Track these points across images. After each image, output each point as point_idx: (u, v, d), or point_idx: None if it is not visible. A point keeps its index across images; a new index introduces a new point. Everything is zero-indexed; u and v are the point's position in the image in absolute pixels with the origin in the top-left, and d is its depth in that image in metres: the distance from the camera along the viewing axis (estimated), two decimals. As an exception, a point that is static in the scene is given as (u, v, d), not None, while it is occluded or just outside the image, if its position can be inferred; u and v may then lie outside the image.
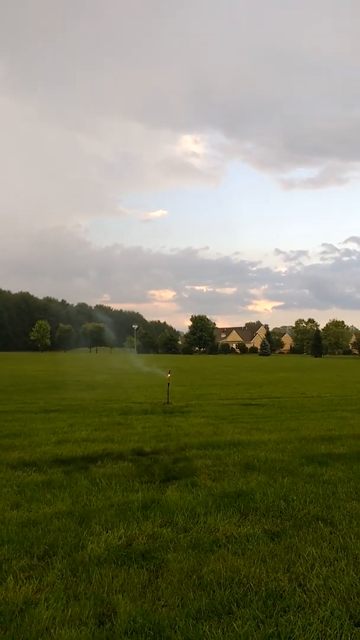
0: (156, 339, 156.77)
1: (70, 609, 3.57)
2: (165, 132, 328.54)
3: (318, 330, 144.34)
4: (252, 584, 3.97)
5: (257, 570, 4.21)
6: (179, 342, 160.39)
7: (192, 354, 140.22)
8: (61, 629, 3.32)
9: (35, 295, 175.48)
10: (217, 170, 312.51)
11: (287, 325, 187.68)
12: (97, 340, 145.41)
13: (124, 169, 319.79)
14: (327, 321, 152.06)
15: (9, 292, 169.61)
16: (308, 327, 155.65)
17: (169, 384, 18.21)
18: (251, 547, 4.73)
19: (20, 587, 3.87)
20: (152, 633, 3.29)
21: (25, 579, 4.04)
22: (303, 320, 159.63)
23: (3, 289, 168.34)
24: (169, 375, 19.47)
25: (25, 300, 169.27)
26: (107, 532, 5.04)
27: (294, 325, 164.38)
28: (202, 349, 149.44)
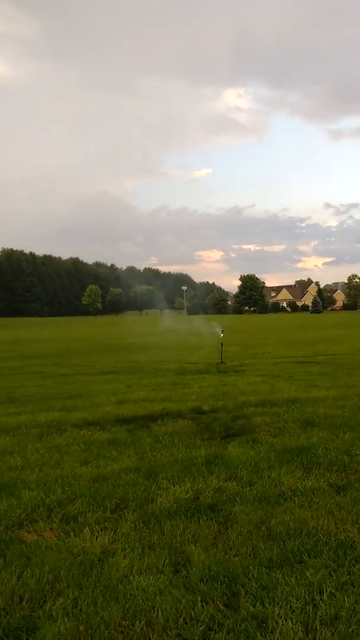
0: (205, 300, 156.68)
1: (146, 558, 3.72)
2: (207, 88, 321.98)
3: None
4: (321, 535, 4.03)
5: (325, 522, 4.26)
6: (229, 302, 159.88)
7: (242, 313, 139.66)
8: (139, 577, 3.48)
9: (85, 261, 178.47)
10: (262, 125, 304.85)
11: (338, 281, 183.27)
12: (147, 303, 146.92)
13: (167, 129, 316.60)
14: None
15: (60, 258, 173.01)
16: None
17: (222, 343, 18.22)
18: (317, 499, 4.77)
19: (97, 538, 4.06)
20: (227, 580, 3.40)
21: (101, 530, 4.23)
22: (356, 275, 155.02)
23: (54, 255, 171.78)
24: (221, 334, 19.46)
25: (75, 266, 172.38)
26: (174, 486, 5.19)
27: (346, 281, 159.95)
28: (252, 309, 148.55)
